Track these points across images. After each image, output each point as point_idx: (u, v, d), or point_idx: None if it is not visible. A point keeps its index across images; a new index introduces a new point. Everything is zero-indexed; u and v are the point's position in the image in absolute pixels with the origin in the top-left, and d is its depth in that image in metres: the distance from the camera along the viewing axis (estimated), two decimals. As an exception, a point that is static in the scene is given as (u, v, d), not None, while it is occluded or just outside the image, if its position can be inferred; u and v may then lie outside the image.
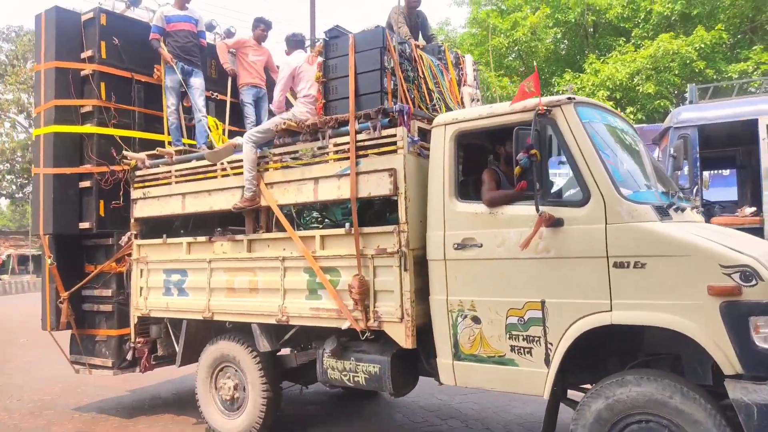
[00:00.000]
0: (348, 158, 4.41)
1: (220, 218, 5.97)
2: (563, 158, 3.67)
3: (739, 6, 15.70)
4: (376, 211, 5.19)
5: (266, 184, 4.91)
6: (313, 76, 4.79)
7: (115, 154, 5.99)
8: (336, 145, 4.52)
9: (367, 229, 4.33)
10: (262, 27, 7.18)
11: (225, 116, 6.80)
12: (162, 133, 6.48)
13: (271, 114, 7.11)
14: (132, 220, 5.96)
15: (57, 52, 5.91)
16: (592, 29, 17.86)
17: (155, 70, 6.46)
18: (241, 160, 4.97)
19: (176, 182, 5.66)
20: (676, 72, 14.69)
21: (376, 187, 4.26)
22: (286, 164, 4.83)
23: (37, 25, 6.10)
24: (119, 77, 6.17)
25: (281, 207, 4.82)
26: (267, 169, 4.93)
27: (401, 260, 4.10)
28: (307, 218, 5.41)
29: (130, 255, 5.97)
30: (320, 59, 4.70)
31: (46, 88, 5.94)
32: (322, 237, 4.59)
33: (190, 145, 6.40)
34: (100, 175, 5.91)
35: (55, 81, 5.87)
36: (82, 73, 6.03)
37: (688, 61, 14.49)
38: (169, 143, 6.42)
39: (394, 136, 4.19)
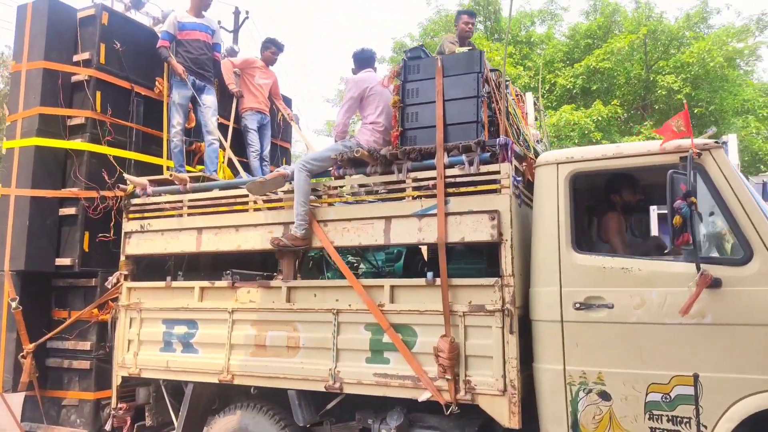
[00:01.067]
0: (432, 196, 3.76)
1: (214, 260, 5.09)
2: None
3: (632, 85, 17.23)
4: (430, 259, 4.55)
5: (318, 222, 4.13)
6: (386, 100, 4.15)
7: (107, 177, 4.98)
8: (416, 180, 3.86)
9: (456, 281, 3.64)
10: (272, 49, 6.49)
11: (226, 142, 5.94)
12: (158, 155, 5.53)
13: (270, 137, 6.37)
14: (122, 258, 4.91)
15: (47, 50, 4.91)
16: (504, 94, 19.15)
17: (157, 83, 5.56)
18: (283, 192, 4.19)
19: (189, 214, 4.73)
20: (576, 141, 15.71)
21: (471, 231, 3.61)
22: (345, 199, 4.10)
23: (20, 15, 5.08)
24: (118, 87, 5.23)
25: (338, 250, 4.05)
26: (320, 204, 4.17)
27: (505, 320, 3.44)
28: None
29: (115, 300, 4.89)
30: (397, 82, 4.07)
31: (27, 91, 4.88)
32: (392, 288, 3.85)
33: (189, 173, 5.48)
34: (88, 201, 4.86)
35: (42, 84, 4.84)
36: (74, 78, 5.03)
37: (586, 131, 15.56)
38: (169, 168, 5.48)
39: (497, 173, 3.61)
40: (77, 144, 4.88)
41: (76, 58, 5.07)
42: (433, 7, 19.54)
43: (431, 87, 3.96)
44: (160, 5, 5.90)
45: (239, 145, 6.21)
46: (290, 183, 4.18)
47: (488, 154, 3.66)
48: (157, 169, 5.45)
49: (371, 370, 3.81)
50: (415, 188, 3.86)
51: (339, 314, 3.97)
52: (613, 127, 16.41)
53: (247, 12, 16.35)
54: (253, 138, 6.28)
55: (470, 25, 5.45)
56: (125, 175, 4.90)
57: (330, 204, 4.17)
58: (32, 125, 4.80)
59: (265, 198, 4.41)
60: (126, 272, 4.89)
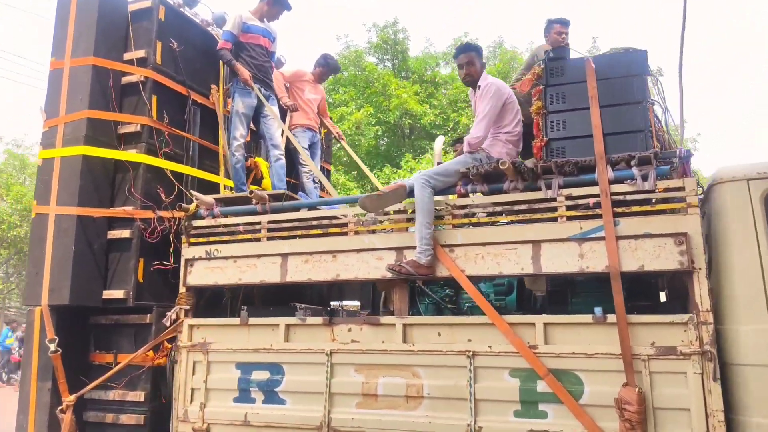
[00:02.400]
0: (594, 216, 3.19)
1: (263, 292, 4.42)
2: None
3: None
4: (551, 293, 3.95)
5: (441, 246, 3.50)
6: (518, 106, 3.59)
7: (163, 195, 4.23)
8: (570, 197, 3.29)
9: (634, 318, 3.06)
10: (325, 66, 5.90)
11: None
12: (212, 171, 4.81)
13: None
14: (182, 290, 4.15)
15: (96, 45, 4.17)
16: (408, 131, 19.25)
17: (212, 90, 4.88)
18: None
19: (269, 238, 4.02)
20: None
21: (653, 258, 3.05)
22: (474, 220, 3.49)
23: (63, 5, 4.33)
24: (174, 92, 4.52)
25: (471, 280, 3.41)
26: (442, 226, 3.55)
27: (706, 365, 2.86)
28: (430, 298, 4.04)
29: (172, 340, 4.11)
30: (536, 86, 3.53)
31: (72, 92, 4.12)
32: (546, 326, 3.23)
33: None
34: (144, 222, 4.09)
35: (90, 84, 4.09)
36: (126, 79, 4.30)
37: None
38: (228, 188, 4.77)
39: (680, 189, 3.08)
40: (132, 155, 4.12)
41: (127, 56, 4.35)
42: (343, 42, 19.65)
43: (579, 91, 3.44)
44: (211, 6, 5.22)
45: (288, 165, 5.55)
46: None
47: (667, 167, 3.13)
48: (214, 187, 4.72)
49: (525, 426, 3.15)
50: (569, 207, 3.29)
51: (475, 357, 3.32)
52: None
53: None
54: (305, 157, 5.62)
55: (563, 35, 4.99)
56: (192, 193, 4.16)
57: (455, 226, 3.55)
58: (78, 131, 4.03)
59: (365, 220, 3.76)
60: (187, 306, 4.12)
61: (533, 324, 3.25)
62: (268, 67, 4.97)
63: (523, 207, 3.39)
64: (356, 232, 3.78)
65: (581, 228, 3.21)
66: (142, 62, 4.31)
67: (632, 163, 3.17)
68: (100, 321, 4.18)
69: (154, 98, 4.28)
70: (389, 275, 3.49)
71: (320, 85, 6.11)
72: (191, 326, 4.09)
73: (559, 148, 3.43)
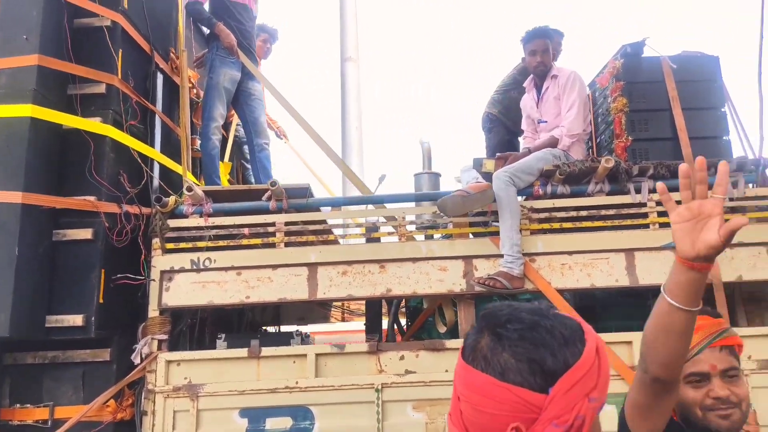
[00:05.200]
0: (687, 224, 2.99)
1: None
2: None
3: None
4: (580, 307, 3.69)
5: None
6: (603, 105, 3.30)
7: (127, 185, 3.11)
8: (660, 202, 3.05)
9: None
10: (263, 36, 5.05)
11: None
12: (174, 159, 3.73)
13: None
14: (154, 313, 3.05)
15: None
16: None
17: (171, 54, 3.82)
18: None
19: (287, 244, 3.15)
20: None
21: (749, 267, 2.95)
22: (558, 225, 3.09)
23: None
24: (139, 50, 3.42)
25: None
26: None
27: (815, 377, 2.78)
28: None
29: (134, 385, 2.99)
30: (615, 82, 3.27)
31: (9, 22, 2.84)
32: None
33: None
34: (109, 218, 2.94)
35: (43, 17, 2.84)
36: (82, 21, 3.12)
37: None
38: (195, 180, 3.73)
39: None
40: (99, 125, 2.95)
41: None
42: None
43: (658, 91, 3.27)
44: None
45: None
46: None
47: (752, 175, 3.07)
48: (174, 179, 3.65)
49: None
50: (660, 213, 3.05)
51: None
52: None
53: None
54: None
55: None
56: (188, 182, 3.12)
57: (532, 232, 3.10)
58: (23, 84, 2.73)
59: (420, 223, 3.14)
60: (163, 336, 3.04)
61: (630, 342, 2.92)
62: (252, 32, 4.03)
63: (611, 212, 3.07)
64: (408, 238, 3.13)
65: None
66: (106, 1, 3.17)
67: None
68: (24, 360, 2.88)
69: (120, 53, 3.16)
70: (477, 289, 2.91)
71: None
72: (169, 362, 3.01)
73: (643, 149, 3.21)
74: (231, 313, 4.08)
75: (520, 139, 4.57)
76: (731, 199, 3.03)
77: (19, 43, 2.79)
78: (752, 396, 2.61)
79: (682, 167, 1.07)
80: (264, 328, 4.71)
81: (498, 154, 3.31)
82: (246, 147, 4.79)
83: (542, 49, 3.35)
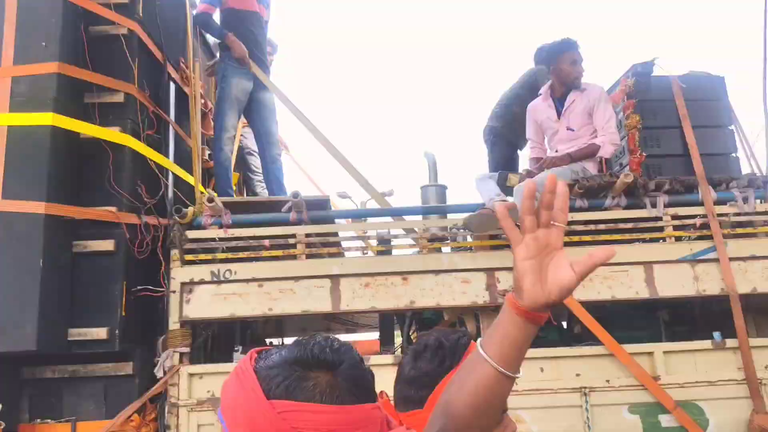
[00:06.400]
0: (704, 237, 3.10)
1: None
2: None
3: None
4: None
5: (542, 268, 3.06)
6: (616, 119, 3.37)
7: (145, 195, 3.06)
8: (676, 216, 3.15)
9: (755, 342, 2.98)
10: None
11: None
12: (186, 170, 3.67)
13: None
14: (175, 326, 2.99)
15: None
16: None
17: (181, 65, 3.78)
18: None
19: (308, 256, 3.13)
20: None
21: (763, 280, 3.04)
22: (578, 239, 3.14)
23: None
24: (153, 59, 3.38)
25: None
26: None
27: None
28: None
29: (156, 399, 2.93)
30: (627, 100, 3.36)
31: (27, 28, 2.77)
32: (666, 354, 2.98)
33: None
34: (129, 230, 2.88)
35: (62, 24, 2.79)
36: (98, 28, 3.07)
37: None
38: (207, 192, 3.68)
39: (779, 212, 3.14)
40: (118, 135, 2.89)
41: (106, -2, 3.10)
42: None
43: (667, 109, 3.37)
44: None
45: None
46: None
47: (762, 190, 3.19)
48: (188, 190, 3.60)
49: (654, 468, 2.83)
50: (676, 227, 3.14)
51: (590, 394, 2.92)
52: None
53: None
54: (257, 162, 4.70)
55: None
56: (208, 192, 3.07)
57: (552, 245, 3.14)
58: (44, 92, 2.68)
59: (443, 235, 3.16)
60: (184, 349, 2.98)
61: (651, 353, 2.98)
62: (263, 41, 3.99)
63: (628, 226, 3.15)
64: (430, 250, 3.15)
65: (691, 249, 3.08)
66: (122, 9, 3.12)
67: (731, 185, 3.17)
68: (44, 374, 2.79)
69: (137, 62, 3.11)
70: (500, 301, 2.93)
71: None
72: (191, 375, 2.95)
73: (656, 165, 3.30)
74: (233, 327, 4.03)
75: (519, 152, 4.65)
76: (737, 214, 3.13)
77: (38, 50, 2.73)
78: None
79: (528, 185, 0.84)
80: (268, 340, 4.65)
81: (526, 168, 3.35)
82: (249, 157, 4.78)
83: (582, 60, 3.38)
